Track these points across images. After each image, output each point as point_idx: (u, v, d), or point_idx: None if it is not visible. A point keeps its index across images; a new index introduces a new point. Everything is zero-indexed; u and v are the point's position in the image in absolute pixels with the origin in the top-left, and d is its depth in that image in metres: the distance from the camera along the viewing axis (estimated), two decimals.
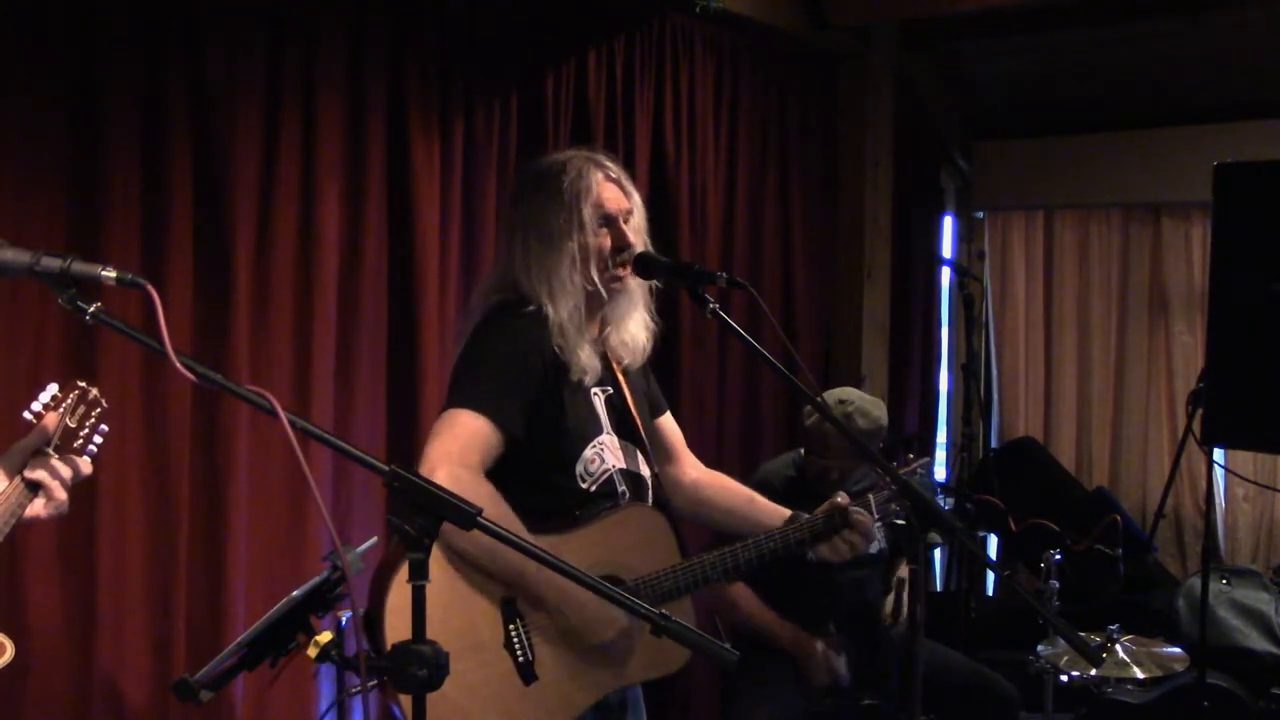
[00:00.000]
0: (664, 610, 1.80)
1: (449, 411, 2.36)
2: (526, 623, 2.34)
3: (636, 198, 2.55)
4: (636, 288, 2.54)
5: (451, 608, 2.23)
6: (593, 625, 2.36)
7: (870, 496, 2.64)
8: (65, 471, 1.91)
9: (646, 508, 2.55)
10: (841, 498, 2.62)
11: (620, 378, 2.57)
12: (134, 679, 3.01)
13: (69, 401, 1.93)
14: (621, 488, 2.51)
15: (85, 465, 1.94)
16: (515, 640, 2.32)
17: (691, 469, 2.81)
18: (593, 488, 2.47)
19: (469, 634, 2.25)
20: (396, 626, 2.18)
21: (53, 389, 1.94)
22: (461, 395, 2.38)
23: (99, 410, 1.96)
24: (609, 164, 2.53)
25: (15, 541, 2.79)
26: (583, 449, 2.46)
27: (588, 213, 2.44)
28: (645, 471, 2.59)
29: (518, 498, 2.33)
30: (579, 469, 2.45)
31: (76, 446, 1.94)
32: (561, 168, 2.49)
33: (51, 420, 1.90)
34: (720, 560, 2.52)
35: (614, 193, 2.50)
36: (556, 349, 2.42)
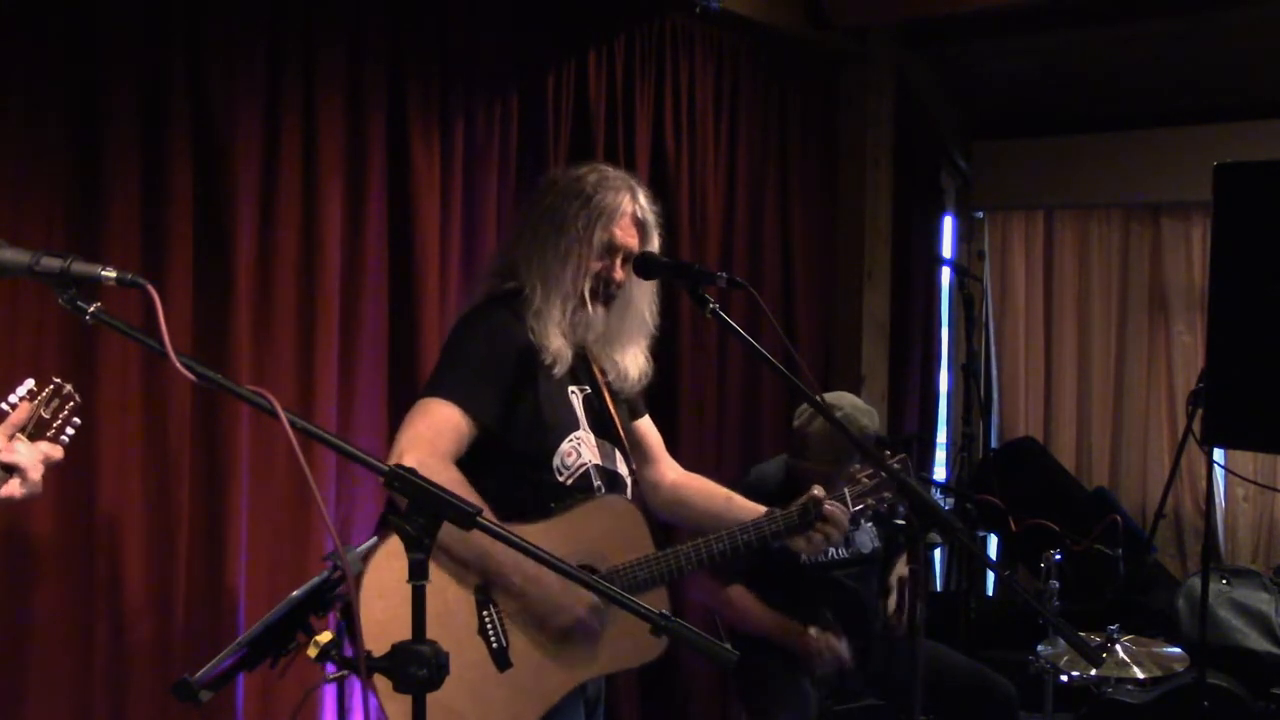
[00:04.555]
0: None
1: (422, 400, 2.42)
2: (500, 609, 2.37)
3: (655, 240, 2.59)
4: (644, 318, 2.61)
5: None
6: (559, 610, 2.38)
7: (846, 490, 2.67)
8: (37, 456, 1.98)
9: (620, 498, 2.59)
10: (817, 490, 2.65)
11: (600, 380, 2.62)
12: (134, 679, 3.01)
13: (44, 395, 2.00)
14: (598, 483, 2.54)
15: (56, 450, 2.01)
16: (489, 627, 2.35)
17: (670, 470, 2.85)
18: (569, 481, 2.51)
19: (443, 620, 2.26)
20: (373, 607, 2.19)
21: (29, 384, 2.00)
22: (436, 384, 2.45)
23: (72, 404, 2.03)
24: (644, 201, 2.58)
25: (15, 541, 2.81)
26: (559, 442, 2.50)
27: (600, 235, 2.51)
28: (623, 470, 2.63)
29: (495, 490, 2.36)
30: (555, 462, 2.49)
31: (49, 436, 2.01)
32: (600, 181, 2.55)
33: (24, 409, 1.97)
34: (694, 551, 2.56)
35: (629, 231, 2.55)
36: (530, 332, 2.48)
